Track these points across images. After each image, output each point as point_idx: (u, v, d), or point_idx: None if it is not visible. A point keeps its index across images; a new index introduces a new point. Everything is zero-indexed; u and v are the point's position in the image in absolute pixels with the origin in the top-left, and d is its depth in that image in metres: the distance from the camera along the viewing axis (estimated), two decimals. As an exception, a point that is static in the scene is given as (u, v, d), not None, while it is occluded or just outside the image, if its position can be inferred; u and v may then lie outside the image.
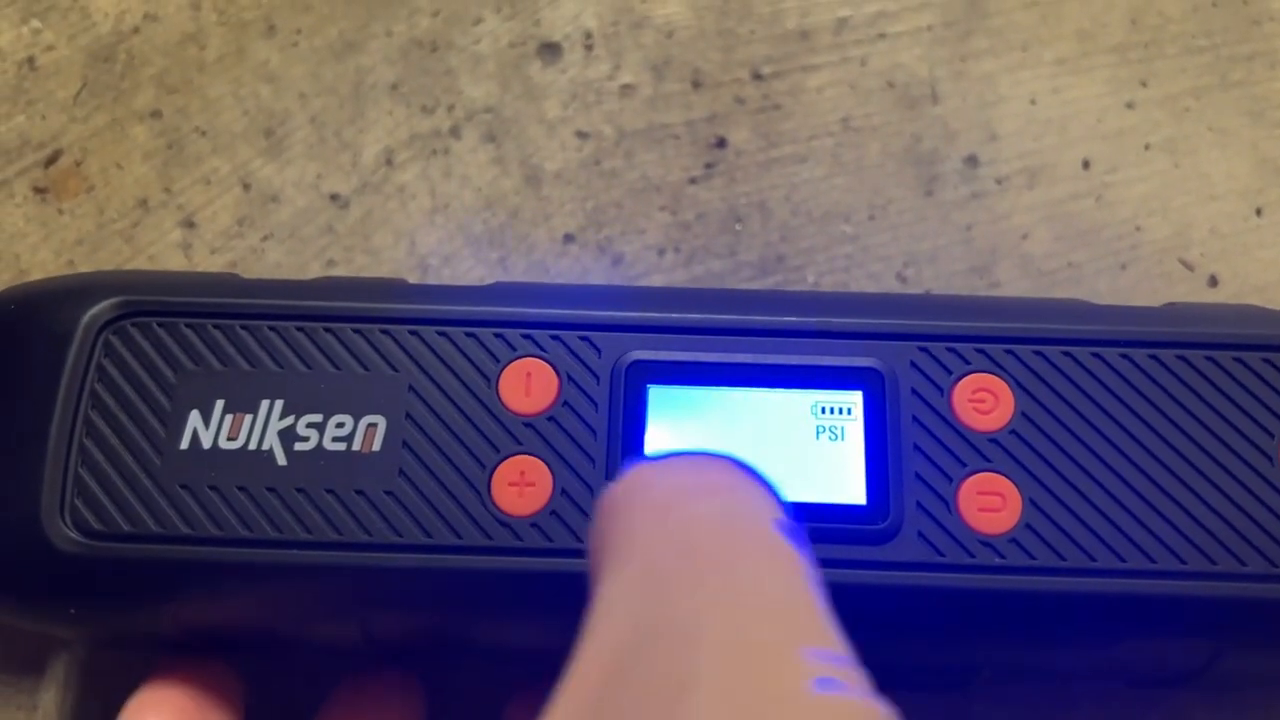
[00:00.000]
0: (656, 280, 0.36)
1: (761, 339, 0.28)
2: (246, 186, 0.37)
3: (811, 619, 0.18)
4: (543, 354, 0.28)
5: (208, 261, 0.36)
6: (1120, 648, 0.26)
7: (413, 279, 0.36)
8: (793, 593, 0.18)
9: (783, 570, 0.18)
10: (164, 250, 0.36)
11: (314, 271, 0.36)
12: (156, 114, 0.37)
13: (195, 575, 0.27)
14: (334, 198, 0.37)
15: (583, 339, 0.28)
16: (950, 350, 0.28)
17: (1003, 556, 0.26)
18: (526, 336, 0.28)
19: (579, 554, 0.26)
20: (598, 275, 0.36)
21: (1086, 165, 0.37)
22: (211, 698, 0.28)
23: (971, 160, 0.37)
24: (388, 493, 0.27)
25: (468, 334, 0.28)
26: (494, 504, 0.27)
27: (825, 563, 0.26)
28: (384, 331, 0.28)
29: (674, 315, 0.28)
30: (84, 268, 0.36)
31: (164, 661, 0.29)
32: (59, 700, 0.31)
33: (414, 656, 0.30)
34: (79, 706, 0.31)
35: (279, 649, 0.29)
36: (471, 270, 0.36)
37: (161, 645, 0.29)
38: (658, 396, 0.28)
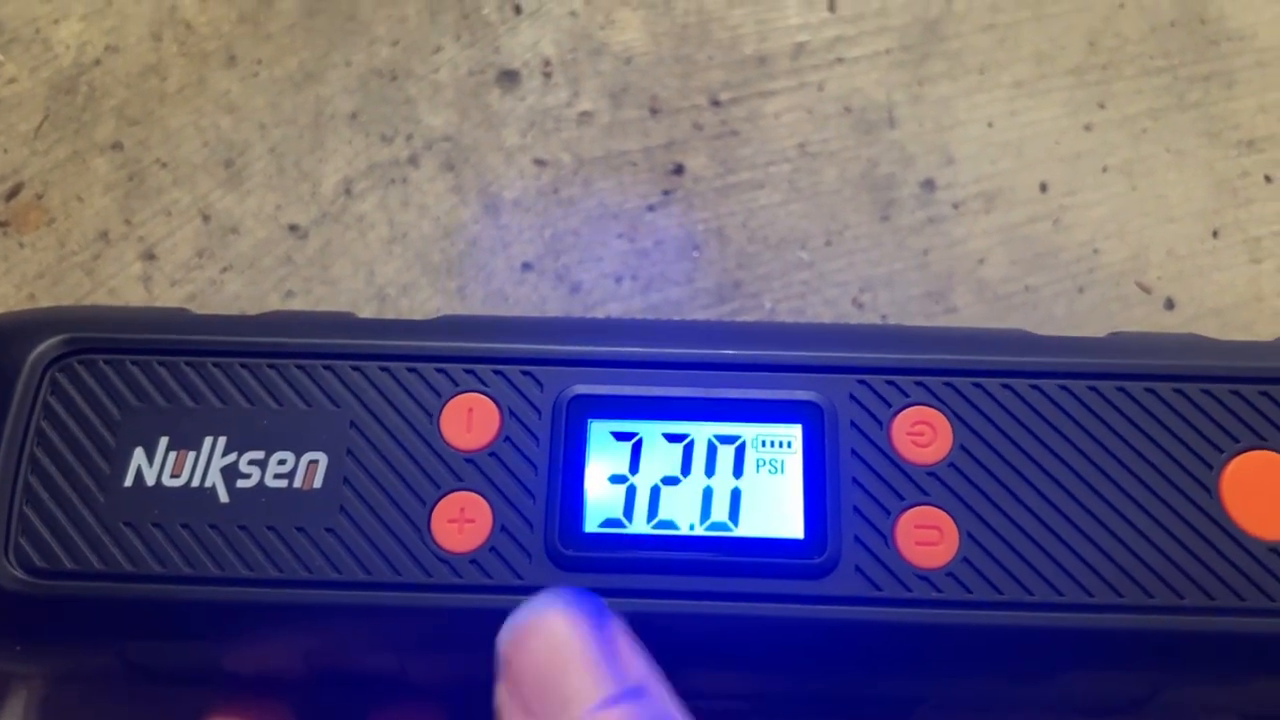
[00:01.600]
0: (614, 308, 0.36)
1: (702, 372, 0.28)
2: (206, 218, 0.37)
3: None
4: (484, 389, 0.28)
5: (168, 294, 0.36)
6: (1059, 681, 0.26)
7: (371, 309, 0.36)
8: None
9: None
10: (124, 283, 0.36)
11: (273, 302, 0.36)
12: (117, 146, 0.38)
13: (138, 612, 0.27)
14: (293, 228, 0.37)
15: (525, 373, 0.28)
16: (889, 383, 0.28)
17: (940, 590, 0.26)
18: (469, 371, 0.28)
19: (517, 591, 0.26)
20: (556, 304, 0.36)
21: (1044, 188, 0.37)
22: None
23: (928, 184, 0.37)
24: (328, 530, 0.27)
25: (409, 369, 0.28)
26: (434, 541, 0.27)
27: (762, 597, 0.26)
28: (327, 367, 0.28)
29: (616, 349, 0.28)
30: (45, 301, 0.36)
31: (218, 701, 0.29)
32: (16, 733, 0.32)
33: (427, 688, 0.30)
34: (36, 740, 0.32)
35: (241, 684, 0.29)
36: (430, 300, 0.36)
37: (126, 680, 0.29)
38: (599, 431, 0.28)
